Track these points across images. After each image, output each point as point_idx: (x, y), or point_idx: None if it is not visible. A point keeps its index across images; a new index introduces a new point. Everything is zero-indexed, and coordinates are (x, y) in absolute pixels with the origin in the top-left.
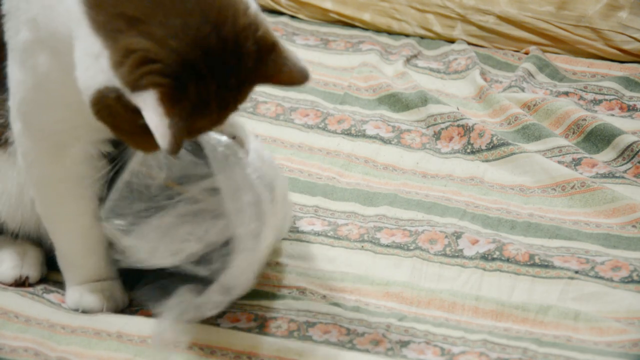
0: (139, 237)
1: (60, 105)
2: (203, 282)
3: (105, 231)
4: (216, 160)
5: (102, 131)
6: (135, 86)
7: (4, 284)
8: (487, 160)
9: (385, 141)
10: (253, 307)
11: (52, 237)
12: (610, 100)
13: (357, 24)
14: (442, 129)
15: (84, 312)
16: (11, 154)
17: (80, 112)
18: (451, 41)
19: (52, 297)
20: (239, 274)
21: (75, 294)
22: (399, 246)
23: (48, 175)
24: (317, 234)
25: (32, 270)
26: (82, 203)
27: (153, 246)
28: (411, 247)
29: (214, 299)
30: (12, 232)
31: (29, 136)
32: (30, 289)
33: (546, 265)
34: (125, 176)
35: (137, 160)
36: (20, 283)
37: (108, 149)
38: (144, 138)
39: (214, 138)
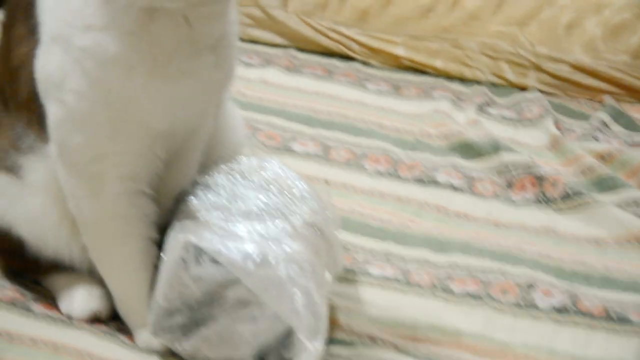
0: (192, 347)
1: (95, 127)
2: None
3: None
4: (237, 268)
5: (138, 160)
6: None
7: (78, 320)
8: (560, 211)
9: (456, 189)
10: None
11: (106, 281)
12: None
13: (429, 70)
14: (515, 177)
15: (157, 353)
16: (24, 177)
17: (117, 136)
18: (524, 89)
19: (125, 338)
20: None
21: (144, 334)
22: (471, 295)
23: (89, 212)
24: (388, 279)
25: (102, 304)
26: (128, 243)
27: (205, 356)
28: (483, 297)
29: None
30: (60, 261)
31: (66, 167)
32: (104, 328)
33: (622, 320)
34: (158, 299)
35: (167, 280)
36: (94, 318)
37: (146, 187)
38: None
39: (233, 247)
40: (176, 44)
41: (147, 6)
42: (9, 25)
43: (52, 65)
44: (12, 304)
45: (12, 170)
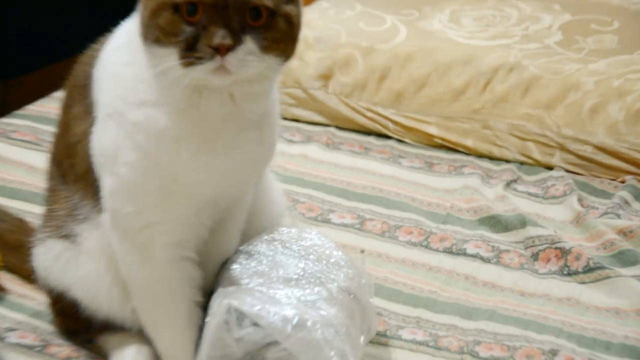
0: None
1: (145, 197)
2: None
3: None
4: (276, 331)
5: (185, 227)
6: None
7: None
8: (583, 283)
9: (485, 260)
10: None
11: (154, 341)
12: None
13: (460, 149)
14: (540, 250)
15: None
16: (80, 244)
17: (165, 205)
18: (549, 168)
19: None
20: None
21: None
22: None
23: (139, 276)
24: (419, 343)
25: None
26: (175, 306)
27: None
28: None
29: None
30: (111, 322)
31: (118, 234)
32: None
33: None
34: (203, 358)
35: (211, 341)
36: None
37: (193, 254)
38: None
39: (272, 311)
40: (222, 120)
41: (194, 83)
42: (67, 105)
43: (107, 140)
44: None
45: (69, 237)
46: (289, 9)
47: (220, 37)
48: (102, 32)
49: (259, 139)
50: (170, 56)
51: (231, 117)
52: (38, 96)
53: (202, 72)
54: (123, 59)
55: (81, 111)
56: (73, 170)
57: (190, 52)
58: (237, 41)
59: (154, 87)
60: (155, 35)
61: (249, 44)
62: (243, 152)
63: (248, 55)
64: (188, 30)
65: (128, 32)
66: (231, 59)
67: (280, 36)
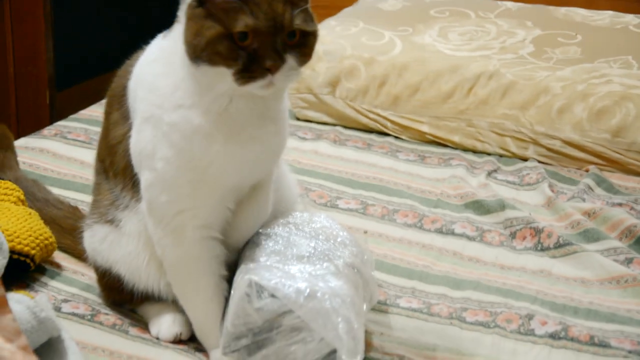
0: None
1: (178, 188)
2: None
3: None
4: (291, 301)
5: (212, 212)
6: None
7: (165, 341)
8: (554, 257)
9: (470, 238)
10: None
11: (186, 310)
12: None
13: (448, 144)
14: (517, 230)
15: None
16: (121, 228)
17: (195, 194)
18: (524, 159)
19: (202, 355)
20: None
21: (216, 353)
22: (481, 324)
23: (172, 255)
24: (414, 310)
25: (183, 328)
26: (204, 280)
27: None
28: (491, 325)
29: None
30: (150, 294)
31: (154, 220)
32: (185, 347)
33: (604, 345)
34: (228, 326)
35: (234, 311)
36: (177, 340)
37: (218, 234)
38: None
39: (287, 284)
40: (248, 117)
41: (234, 93)
42: (107, 112)
43: (144, 140)
44: (113, 327)
45: (112, 222)
46: (313, 27)
47: (272, 60)
48: (135, 49)
49: (275, 131)
50: (224, 75)
51: (255, 114)
52: (82, 105)
53: (254, 87)
54: (158, 71)
55: (119, 118)
56: (113, 166)
57: (246, 73)
58: (282, 60)
59: (190, 93)
60: (211, 58)
61: (290, 61)
62: (263, 143)
63: (290, 71)
64: (242, 54)
65: (161, 48)
66: (279, 76)
67: (309, 50)
